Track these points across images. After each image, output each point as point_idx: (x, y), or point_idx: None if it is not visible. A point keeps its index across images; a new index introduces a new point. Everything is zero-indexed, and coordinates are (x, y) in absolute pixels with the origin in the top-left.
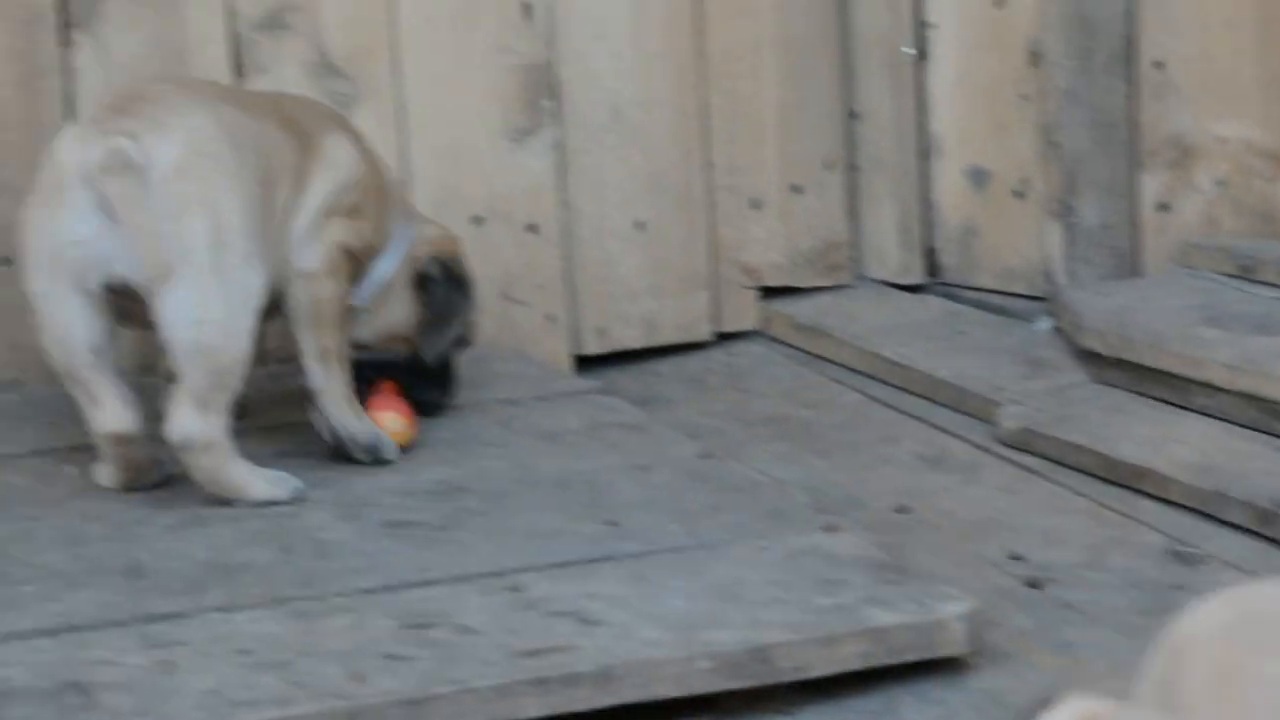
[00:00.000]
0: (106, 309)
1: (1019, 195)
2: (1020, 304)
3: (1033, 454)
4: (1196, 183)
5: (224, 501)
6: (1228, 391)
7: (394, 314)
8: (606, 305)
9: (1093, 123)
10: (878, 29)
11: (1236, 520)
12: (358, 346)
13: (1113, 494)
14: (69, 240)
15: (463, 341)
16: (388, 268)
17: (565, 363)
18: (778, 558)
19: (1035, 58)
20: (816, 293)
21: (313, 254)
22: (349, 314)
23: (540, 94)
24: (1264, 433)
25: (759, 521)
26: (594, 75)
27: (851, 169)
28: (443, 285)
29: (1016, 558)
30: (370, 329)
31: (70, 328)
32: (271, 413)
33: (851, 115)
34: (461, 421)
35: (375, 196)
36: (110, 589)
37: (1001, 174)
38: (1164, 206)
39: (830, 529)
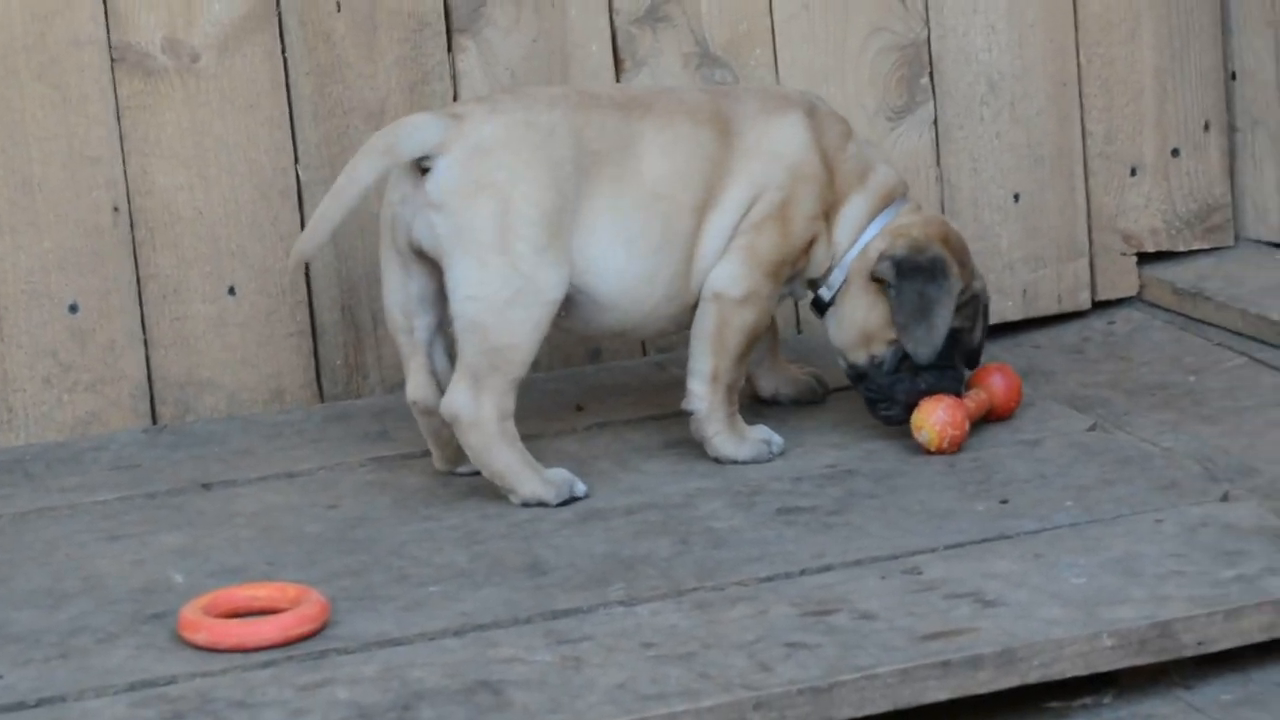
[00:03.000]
0: (421, 274)
1: None
2: None
3: None
4: None
5: (624, 494)
6: None
7: (860, 313)
8: (985, 278)
9: None
10: None
11: None
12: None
13: None
14: (390, 198)
15: (972, 320)
16: (842, 268)
17: None
18: (1175, 530)
19: None
20: (1195, 256)
21: (729, 274)
22: (759, 340)
23: (917, 72)
24: None
25: (1153, 494)
26: (969, 50)
27: (1231, 130)
28: (905, 283)
29: None
30: (842, 331)
31: (387, 286)
32: (661, 401)
33: (1231, 75)
34: (846, 404)
35: (815, 188)
36: (513, 586)
37: None
38: None
39: (1228, 498)
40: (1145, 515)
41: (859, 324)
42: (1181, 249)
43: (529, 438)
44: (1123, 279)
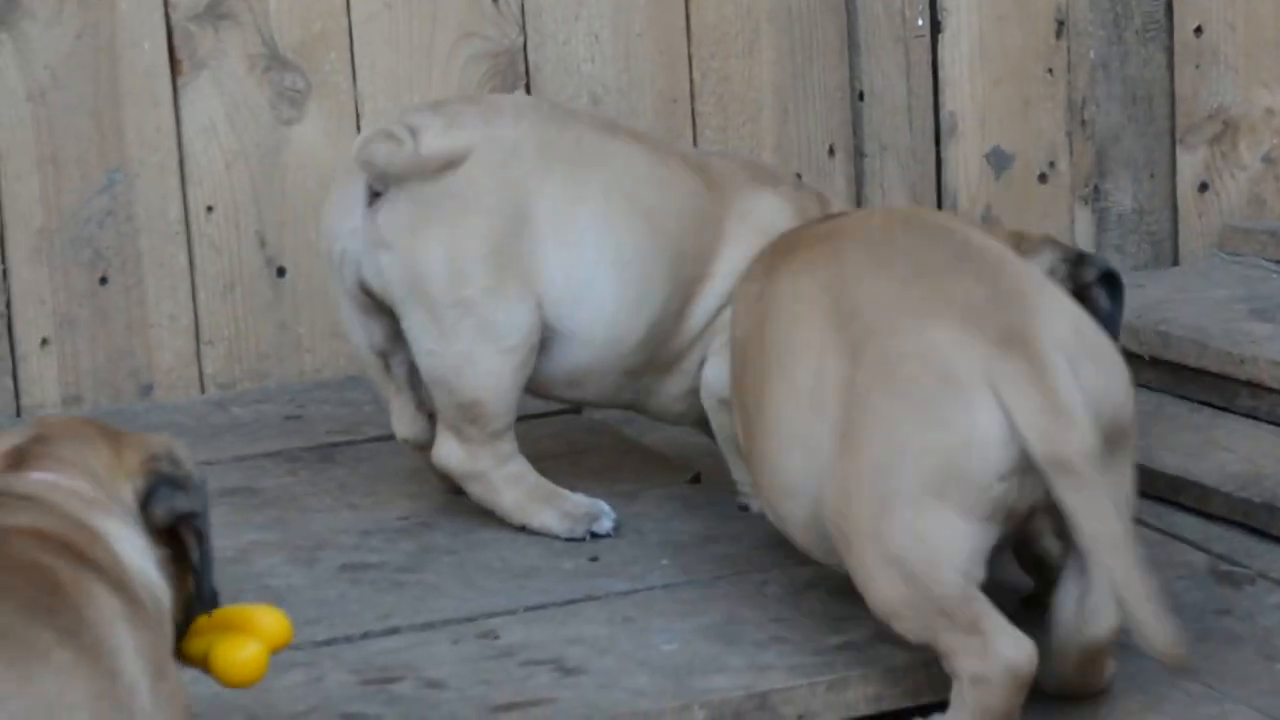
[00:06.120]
0: (383, 312)
1: (1043, 179)
2: None
3: None
4: (1241, 160)
5: None
6: (1277, 392)
7: None
8: None
9: (1126, 97)
10: (887, 0)
11: None
12: None
13: (1149, 508)
14: (329, 231)
15: None
16: None
17: None
18: (780, 593)
19: (1062, 27)
20: None
21: (719, 371)
22: None
23: (511, 83)
24: None
25: (759, 553)
26: (570, 60)
27: (858, 154)
28: None
29: None
30: None
31: (349, 326)
32: (219, 443)
33: (858, 96)
34: None
35: None
36: None
37: (1025, 156)
38: (1204, 187)
39: None
40: (749, 576)
41: None
42: None
43: None
44: None
